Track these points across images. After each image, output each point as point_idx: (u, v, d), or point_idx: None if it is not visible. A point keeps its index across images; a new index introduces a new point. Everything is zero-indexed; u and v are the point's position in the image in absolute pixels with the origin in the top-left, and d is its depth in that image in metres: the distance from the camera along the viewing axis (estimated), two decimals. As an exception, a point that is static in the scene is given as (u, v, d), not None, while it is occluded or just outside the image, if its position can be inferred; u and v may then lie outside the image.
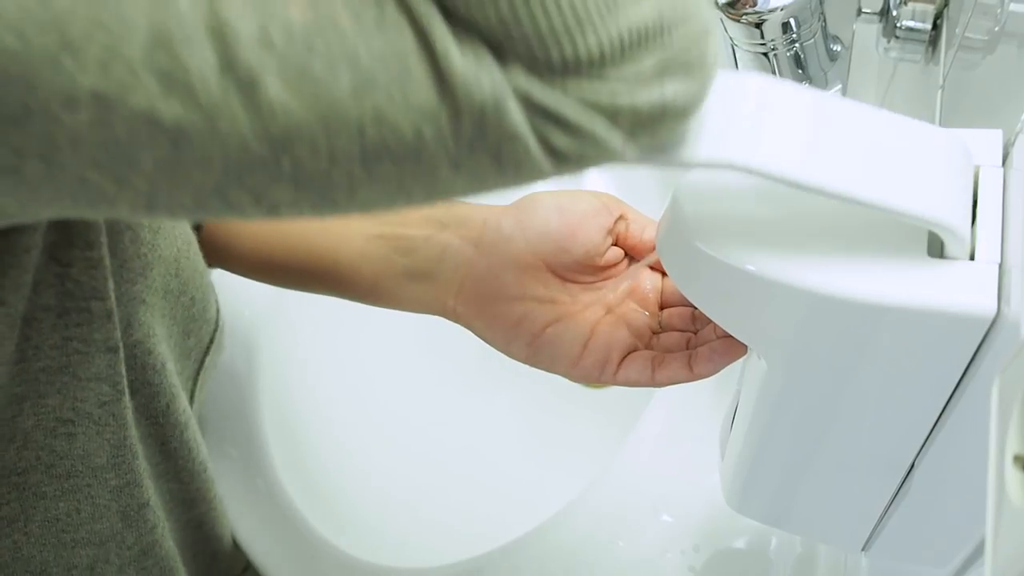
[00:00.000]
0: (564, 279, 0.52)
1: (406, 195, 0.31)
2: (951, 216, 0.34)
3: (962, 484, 0.39)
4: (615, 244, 0.52)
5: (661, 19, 0.30)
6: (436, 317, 0.56)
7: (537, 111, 0.29)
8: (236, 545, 0.74)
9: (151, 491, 0.59)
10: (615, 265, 0.52)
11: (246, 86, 0.28)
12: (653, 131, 0.31)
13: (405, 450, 0.85)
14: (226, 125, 0.28)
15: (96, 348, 0.50)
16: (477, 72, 0.29)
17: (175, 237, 0.55)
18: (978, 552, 0.40)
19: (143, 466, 0.57)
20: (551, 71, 0.29)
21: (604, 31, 0.29)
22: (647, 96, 0.30)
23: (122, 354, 0.52)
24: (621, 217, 0.52)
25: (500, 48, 0.29)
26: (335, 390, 0.87)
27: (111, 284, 0.49)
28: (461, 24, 0.29)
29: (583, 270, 0.52)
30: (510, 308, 0.52)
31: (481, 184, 0.31)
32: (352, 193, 0.31)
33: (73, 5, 0.27)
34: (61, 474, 0.53)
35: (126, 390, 0.53)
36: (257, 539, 0.74)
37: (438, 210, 0.55)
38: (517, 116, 0.29)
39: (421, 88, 0.29)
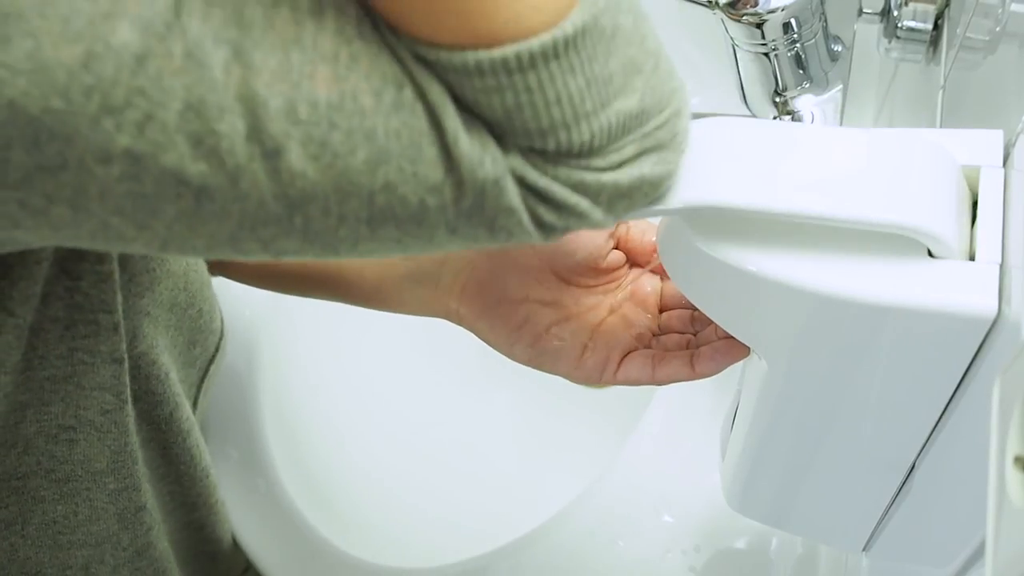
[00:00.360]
0: (566, 282, 0.52)
1: (403, 249, 0.34)
2: (926, 220, 0.34)
3: (963, 485, 0.39)
4: (616, 247, 0.52)
5: (642, 109, 0.33)
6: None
7: (530, 191, 0.33)
8: (236, 546, 0.74)
9: (149, 495, 0.59)
10: (617, 268, 0.52)
11: (270, 153, 0.30)
12: (630, 202, 0.34)
13: (406, 450, 0.85)
14: (247, 186, 0.30)
15: (101, 359, 0.50)
16: (482, 155, 0.31)
17: None
18: (979, 553, 0.40)
19: (142, 471, 0.57)
20: (544, 158, 0.32)
21: (596, 124, 0.32)
22: (626, 174, 0.33)
23: (126, 365, 0.52)
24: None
25: (503, 135, 0.32)
26: (335, 390, 0.87)
27: (119, 298, 0.49)
28: (469, 111, 0.31)
29: (585, 273, 0.52)
30: (513, 310, 0.52)
31: (472, 244, 0.34)
32: (354, 246, 0.33)
33: (117, 73, 0.28)
34: (60, 478, 0.53)
35: (129, 399, 0.53)
36: (257, 539, 0.74)
37: None
38: (513, 194, 0.32)
39: (430, 165, 0.31)
